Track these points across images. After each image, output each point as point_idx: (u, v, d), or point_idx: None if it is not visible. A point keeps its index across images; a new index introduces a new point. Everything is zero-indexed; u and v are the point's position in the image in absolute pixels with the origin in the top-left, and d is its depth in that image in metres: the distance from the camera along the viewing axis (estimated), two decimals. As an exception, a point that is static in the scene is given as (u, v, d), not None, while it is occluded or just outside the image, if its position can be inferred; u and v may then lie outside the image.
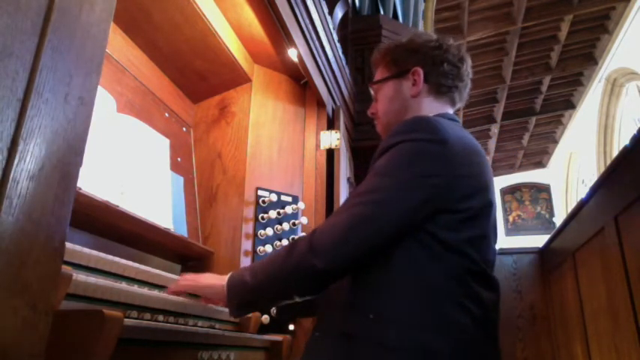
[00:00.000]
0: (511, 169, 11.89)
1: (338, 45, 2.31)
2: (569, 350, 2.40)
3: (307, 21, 1.89)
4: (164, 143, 1.72)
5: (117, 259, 1.07)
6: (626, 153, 1.50)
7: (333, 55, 2.23)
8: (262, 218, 1.82)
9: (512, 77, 8.27)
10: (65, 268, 0.73)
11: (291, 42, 1.81)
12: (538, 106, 9.52)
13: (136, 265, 1.15)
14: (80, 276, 0.84)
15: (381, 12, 3.19)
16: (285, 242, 1.84)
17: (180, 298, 1.16)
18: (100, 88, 1.39)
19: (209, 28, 1.68)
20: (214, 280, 1.12)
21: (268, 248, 1.77)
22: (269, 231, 1.81)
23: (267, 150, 1.97)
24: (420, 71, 1.19)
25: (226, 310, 1.18)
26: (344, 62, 2.48)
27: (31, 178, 0.58)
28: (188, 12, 1.61)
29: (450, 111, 1.21)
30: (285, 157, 2.03)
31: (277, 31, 1.76)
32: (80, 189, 1.11)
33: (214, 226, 1.82)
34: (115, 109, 1.50)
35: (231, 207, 1.82)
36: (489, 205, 1.03)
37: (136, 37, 1.68)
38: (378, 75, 1.29)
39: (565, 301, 2.46)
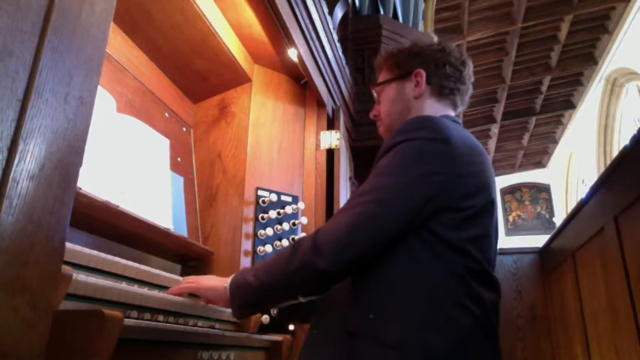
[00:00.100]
0: (511, 169, 11.90)
1: (338, 45, 2.31)
2: (569, 350, 2.40)
3: (307, 21, 1.89)
4: (164, 143, 1.72)
5: (117, 259, 1.07)
6: (626, 153, 1.49)
7: (333, 55, 2.23)
8: (262, 218, 1.82)
9: (512, 77, 8.28)
10: (65, 268, 0.73)
11: (291, 42, 1.81)
12: (538, 106, 9.52)
13: (136, 265, 1.15)
14: (80, 276, 0.84)
15: (381, 12, 3.19)
16: (285, 242, 1.84)
17: (181, 298, 1.16)
18: (100, 88, 1.39)
19: (209, 28, 1.68)
20: (216, 282, 1.12)
21: (268, 248, 1.77)
22: (269, 231, 1.81)
23: (267, 150, 1.97)
24: (423, 73, 1.21)
25: (226, 310, 1.18)
26: (344, 62, 2.48)
27: (31, 178, 0.58)
28: (188, 12, 1.61)
29: (452, 113, 1.22)
30: (285, 157, 2.03)
31: (277, 31, 1.76)
32: (80, 189, 1.11)
33: (214, 226, 1.82)
34: (115, 109, 1.50)
35: (231, 207, 1.82)
36: (491, 204, 1.03)
37: (136, 37, 1.68)
38: (381, 78, 1.31)
39: (565, 301, 2.46)
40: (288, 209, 1.89)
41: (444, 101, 1.21)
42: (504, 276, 2.93)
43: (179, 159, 1.84)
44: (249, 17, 1.76)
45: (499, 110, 9.27)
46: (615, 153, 4.63)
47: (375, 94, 1.32)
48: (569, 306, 2.36)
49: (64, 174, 0.64)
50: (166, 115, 1.85)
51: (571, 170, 10.62)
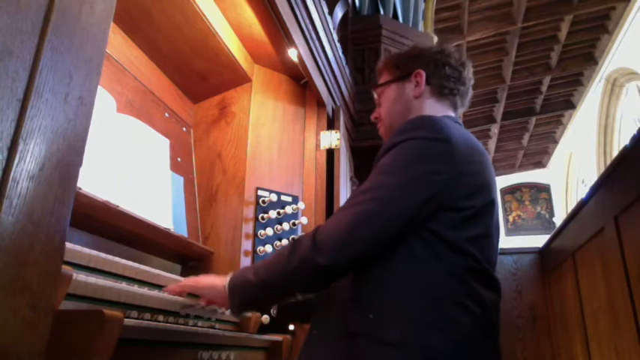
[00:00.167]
0: (511, 169, 11.90)
1: (338, 45, 2.31)
2: (569, 350, 2.40)
3: (307, 21, 1.89)
4: (164, 143, 1.72)
5: (117, 259, 1.07)
6: (626, 153, 1.49)
7: (333, 55, 2.23)
8: (262, 218, 1.82)
9: (512, 77, 8.27)
10: (65, 268, 0.73)
11: (291, 42, 1.81)
12: (538, 106, 9.52)
13: (136, 265, 1.15)
14: (80, 276, 0.84)
15: (381, 12, 3.19)
16: (285, 242, 1.84)
17: (181, 298, 1.16)
18: (100, 88, 1.39)
19: (209, 28, 1.68)
20: (215, 281, 1.12)
21: (268, 248, 1.77)
22: (269, 231, 1.81)
23: (267, 150, 1.97)
24: (422, 73, 1.22)
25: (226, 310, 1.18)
26: (344, 62, 2.48)
27: (31, 178, 0.58)
28: (188, 12, 1.61)
29: (452, 114, 1.22)
30: (285, 157, 2.03)
31: (277, 31, 1.76)
32: (80, 189, 1.11)
33: (214, 226, 1.82)
34: (115, 109, 1.50)
35: (231, 207, 1.82)
36: (491, 204, 1.04)
37: (136, 37, 1.68)
38: (381, 81, 1.32)
39: (565, 301, 2.46)
40: (288, 209, 1.89)
41: (444, 102, 1.22)
42: (504, 276, 2.93)
43: (179, 159, 1.84)
44: (249, 17, 1.76)
45: (499, 110, 9.27)
46: (615, 153, 4.63)
47: (375, 97, 1.33)
48: (569, 306, 2.36)
49: (64, 174, 0.64)
50: (166, 115, 1.85)
51: (571, 170, 10.62)
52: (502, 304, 1.05)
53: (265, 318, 1.61)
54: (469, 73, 1.25)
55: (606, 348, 1.84)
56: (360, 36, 3.03)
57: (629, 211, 1.51)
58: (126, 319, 0.74)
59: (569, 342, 2.42)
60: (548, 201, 11.61)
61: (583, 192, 7.09)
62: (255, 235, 1.79)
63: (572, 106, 9.51)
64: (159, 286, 1.22)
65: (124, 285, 0.99)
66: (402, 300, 0.92)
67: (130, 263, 1.13)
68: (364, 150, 2.69)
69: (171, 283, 1.25)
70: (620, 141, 8.01)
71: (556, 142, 10.99)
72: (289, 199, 1.93)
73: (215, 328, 1.31)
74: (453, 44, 6.95)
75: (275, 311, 1.63)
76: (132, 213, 1.32)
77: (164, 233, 1.49)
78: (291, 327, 1.70)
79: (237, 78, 1.97)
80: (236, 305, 1.07)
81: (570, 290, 2.32)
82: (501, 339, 1.01)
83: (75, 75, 0.66)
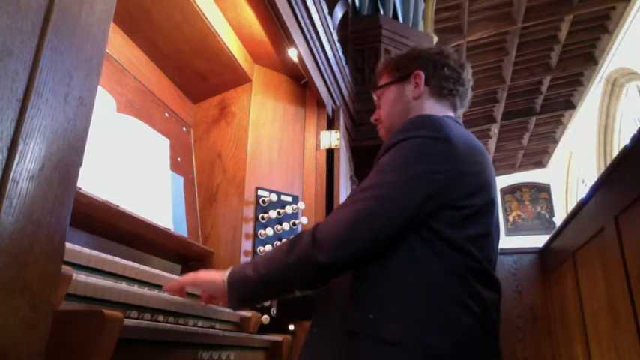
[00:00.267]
0: (511, 169, 11.90)
1: (338, 45, 2.31)
2: (569, 350, 2.40)
3: (307, 21, 1.89)
4: (164, 143, 1.72)
5: (117, 259, 1.07)
6: (626, 153, 1.49)
7: (333, 55, 2.23)
8: (262, 218, 1.82)
9: (512, 77, 8.28)
10: (65, 268, 0.73)
11: (291, 42, 1.81)
12: (538, 106, 9.52)
13: (136, 265, 1.15)
14: (80, 276, 0.84)
15: (381, 12, 3.19)
16: (285, 242, 1.84)
17: (181, 298, 1.16)
18: (100, 88, 1.39)
19: (209, 28, 1.68)
20: (215, 275, 1.13)
21: (268, 248, 1.77)
22: (269, 231, 1.81)
23: (267, 150, 1.97)
24: (421, 74, 1.23)
25: (226, 310, 1.18)
26: (344, 62, 2.48)
27: (31, 178, 0.58)
28: (188, 12, 1.61)
29: (452, 114, 1.23)
30: (285, 157, 2.03)
31: (277, 31, 1.76)
32: (80, 189, 1.11)
33: (214, 226, 1.82)
34: (115, 109, 1.50)
35: (231, 207, 1.82)
36: (492, 204, 1.04)
37: (136, 37, 1.68)
38: (381, 83, 1.32)
39: (565, 301, 2.46)
40: (288, 209, 1.89)
41: (444, 102, 1.23)
42: (504, 276, 2.93)
43: (179, 159, 1.84)
44: (249, 17, 1.76)
45: (499, 110, 9.27)
46: (615, 153, 4.63)
47: (375, 99, 1.34)
48: (569, 306, 2.36)
49: (64, 174, 0.64)
50: (166, 115, 1.85)
51: (571, 170, 10.62)
52: (502, 304, 1.05)
53: (265, 318, 1.61)
54: (468, 74, 1.26)
55: (606, 348, 1.84)
56: (360, 36, 3.03)
57: (629, 211, 1.51)
58: (126, 319, 0.74)
59: (569, 342, 2.42)
60: (548, 201, 11.61)
61: (583, 192, 7.09)
62: (255, 235, 1.79)
63: (572, 106, 9.51)
64: (159, 286, 1.22)
65: (124, 285, 0.99)
66: (402, 299, 0.92)
67: (130, 263, 1.13)
68: (364, 150, 2.69)
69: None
70: (620, 141, 8.01)
71: (556, 142, 10.99)
72: (289, 199, 1.93)
73: (215, 328, 1.31)
74: (453, 44, 6.96)
75: (275, 311, 1.63)
76: (132, 213, 1.32)
77: (164, 233, 1.49)
78: (291, 327, 1.70)
79: (237, 78, 1.97)
80: (235, 300, 1.07)
81: (570, 290, 2.32)
82: (501, 339, 1.01)
83: (75, 75, 0.66)
